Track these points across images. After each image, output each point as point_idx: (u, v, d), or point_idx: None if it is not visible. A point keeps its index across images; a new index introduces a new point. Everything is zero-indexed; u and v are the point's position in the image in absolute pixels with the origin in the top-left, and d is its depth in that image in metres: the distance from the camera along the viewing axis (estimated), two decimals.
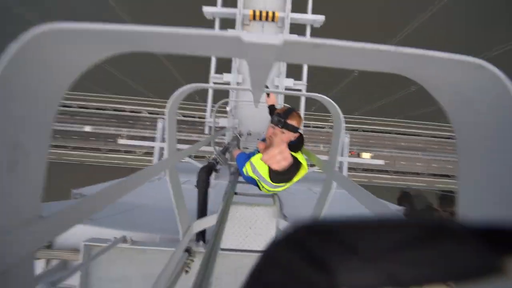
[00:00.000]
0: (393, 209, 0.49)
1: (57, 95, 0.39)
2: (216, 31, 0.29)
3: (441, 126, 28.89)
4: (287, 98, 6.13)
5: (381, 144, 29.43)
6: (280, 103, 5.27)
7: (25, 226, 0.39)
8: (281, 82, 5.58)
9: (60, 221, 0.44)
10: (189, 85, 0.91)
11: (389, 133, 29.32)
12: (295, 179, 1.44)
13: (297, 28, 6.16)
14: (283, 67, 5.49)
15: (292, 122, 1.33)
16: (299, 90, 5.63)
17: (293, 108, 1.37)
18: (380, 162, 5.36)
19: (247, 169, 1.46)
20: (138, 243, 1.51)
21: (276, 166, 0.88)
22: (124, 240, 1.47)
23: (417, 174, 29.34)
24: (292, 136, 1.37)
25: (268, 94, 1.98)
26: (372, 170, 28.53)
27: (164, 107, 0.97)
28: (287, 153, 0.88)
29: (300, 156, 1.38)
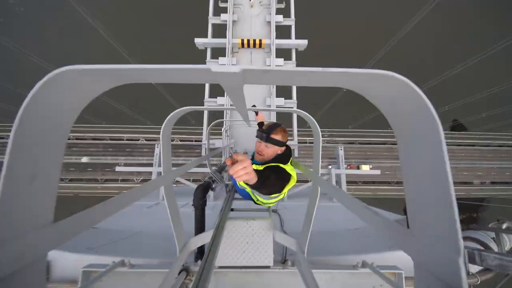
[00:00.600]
0: (384, 215, 0.56)
1: (70, 120, 0.49)
2: (192, 65, 0.40)
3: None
4: (281, 117, 6.36)
5: (379, 156, 29.57)
6: (272, 121, 5.45)
7: (40, 229, 0.46)
8: (272, 102, 5.84)
9: (70, 226, 0.52)
10: (183, 108, 1.03)
11: (385, 143, 29.66)
12: (285, 189, 1.51)
13: (284, 52, 6.63)
14: (273, 88, 5.79)
15: (275, 136, 1.43)
16: (290, 107, 5.88)
17: (277, 123, 1.48)
18: (376, 172, 5.42)
19: (242, 183, 1.52)
20: (137, 267, 1.51)
21: (240, 180, 0.87)
22: (122, 264, 1.47)
23: None
24: (278, 149, 1.48)
25: (256, 113, 2.13)
26: (373, 182, 28.27)
27: (160, 133, 1.07)
28: (250, 168, 0.87)
29: (289, 168, 1.47)
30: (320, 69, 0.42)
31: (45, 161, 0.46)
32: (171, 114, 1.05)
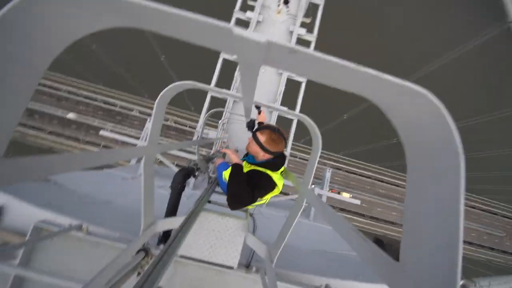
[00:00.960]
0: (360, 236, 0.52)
1: (50, 54, 0.42)
2: (211, 19, 0.35)
3: None
4: (280, 125, 6.36)
5: (361, 187, 30.20)
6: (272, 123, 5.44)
7: None
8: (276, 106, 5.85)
9: (22, 168, 0.44)
10: (185, 82, 0.97)
11: (370, 177, 30.34)
12: (267, 196, 1.46)
13: None
14: (279, 95, 5.78)
15: (260, 136, 1.36)
16: (291, 119, 5.88)
17: (273, 127, 1.39)
18: (357, 201, 5.48)
19: (226, 176, 1.47)
20: (94, 235, 1.41)
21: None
22: (79, 228, 1.37)
23: (392, 223, 29.91)
24: (257, 150, 1.38)
25: (259, 112, 2.08)
26: (349, 211, 28.77)
27: None
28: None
29: (277, 177, 1.41)
30: (352, 64, 0.37)
31: (6, 86, 0.38)
32: (173, 84, 0.98)
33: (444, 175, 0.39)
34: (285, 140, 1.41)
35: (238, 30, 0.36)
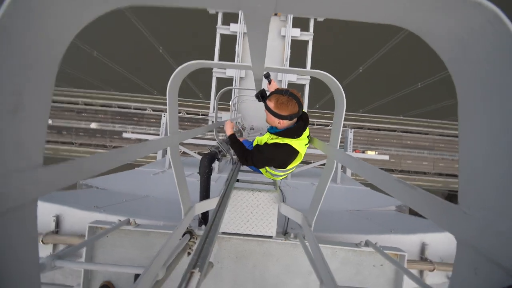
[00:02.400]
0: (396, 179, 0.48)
1: (62, 44, 0.40)
2: None
3: (448, 124, 28.34)
4: (291, 87, 6.11)
5: (386, 143, 29.08)
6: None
7: (28, 171, 0.40)
8: (284, 77, 5.57)
9: (61, 173, 0.46)
10: (192, 62, 0.92)
11: (395, 131, 28.94)
12: (291, 165, 1.45)
13: (301, 22, 6.13)
14: (286, 61, 5.48)
15: (269, 103, 1.32)
16: (303, 85, 5.62)
17: (281, 90, 1.33)
18: (385, 157, 5.31)
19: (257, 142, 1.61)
20: (142, 226, 1.54)
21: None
22: (128, 222, 1.50)
23: (424, 173, 28.95)
24: (273, 119, 1.35)
25: (269, 82, 1.97)
26: None
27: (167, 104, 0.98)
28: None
29: (297, 143, 1.37)
30: None
31: (29, 90, 0.38)
32: (179, 68, 0.94)
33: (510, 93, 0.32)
34: (298, 99, 1.30)
35: None
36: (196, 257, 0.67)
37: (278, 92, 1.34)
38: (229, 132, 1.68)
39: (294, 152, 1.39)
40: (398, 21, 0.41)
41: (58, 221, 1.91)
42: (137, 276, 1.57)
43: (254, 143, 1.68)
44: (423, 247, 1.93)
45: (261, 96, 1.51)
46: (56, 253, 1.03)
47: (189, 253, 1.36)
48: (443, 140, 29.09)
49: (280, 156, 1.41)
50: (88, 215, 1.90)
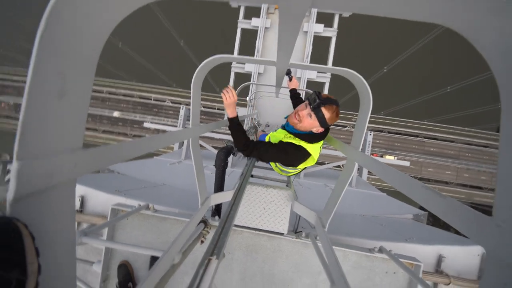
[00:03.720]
0: (406, 208, 0.46)
1: (104, 33, 0.43)
2: None
3: (477, 132, 26.37)
4: (312, 85, 5.95)
5: (407, 148, 27.73)
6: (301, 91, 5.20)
7: (68, 153, 0.43)
8: (303, 74, 5.46)
9: (98, 156, 0.49)
10: (215, 56, 0.94)
11: (417, 136, 27.47)
12: (301, 166, 1.44)
13: (326, 18, 5.95)
14: (307, 58, 5.36)
15: (326, 112, 1.22)
16: (323, 83, 5.48)
17: (336, 101, 1.25)
18: (405, 163, 5.08)
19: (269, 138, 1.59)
20: (160, 212, 1.61)
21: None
22: (147, 207, 1.58)
23: (446, 183, 27.32)
24: (316, 126, 1.28)
25: (290, 79, 1.95)
26: None
27: (185, 97, 1.01)
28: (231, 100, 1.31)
29: (311, 148, 1.34)
30: None
31: (74, 77, 0.41)
32: (203, 63, 0.96)
33: None
34: None
35: None
36: (213, 246, 0.69)
37: (335, 103, 1.25)
38: (231, 113, 1.41)
39: (307, 155, 1.36)
40: (446, 21, 0.38)
41: (83, 201, 2.05)
42: (152, 258, 1.66)
43: (267, 138, 1.67)
44: (439, 259, 1.85)
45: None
46: (82, 230, 1.11)
47: (202, 242, 1.40)
48: (469, 149, 27.17)
49: (292, 157, 1.37)
50: (110, 198, 2.02)
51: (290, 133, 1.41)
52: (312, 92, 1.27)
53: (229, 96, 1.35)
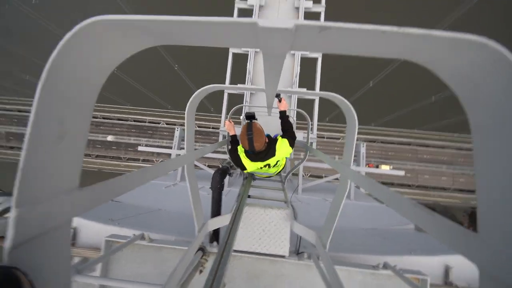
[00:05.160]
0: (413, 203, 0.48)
1: (99, 79, 0.46)
2: (236, 18, 0.34)
3: (466, 138, 27.09)
4: (302, 104, 6.11)
5: (401, 157, 28.06)
6: (291, 113, 5.30)
7: (67, 194, 0.44)
8: (293, 95, 5.64)
9: (95, 194, 0.50)
10: (208, 86, 0.98)
11: (409, 144, 27.98)
12: (267, 162, 1.96)
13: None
14: (295, 77, 5.58)
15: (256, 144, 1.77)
16: (313, 100, 5.66)
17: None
18: (400, 173, 5.11)
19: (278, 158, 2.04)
20: (155, 241, 1.56)
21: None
22: (142, 237, 1.53)
23: (443, 189, 27.37)
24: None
25: (280, 100, 2.03)
26: (393, 184, 27.07)
27: (180, 118, 1.05)
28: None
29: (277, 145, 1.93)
30: (394, 28, 0.33)
31: (72, 121, 0.43)
32: (197, 92, 1.01)
33: None
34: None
35: (263, 22, 0.34)
36: (212, 278, 0.67)
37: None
38: (232, 133, 2.26)
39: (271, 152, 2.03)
40: (410, 56, 0.43)
41: (75, 232, 1.97)
42: None
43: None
44: (447, 270, 1.81)
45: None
46: (74, 266, 1.06)
47: (201, 271, 1.35)
48: (461, 154, 27.70)
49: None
50: (103, 228, 1.95)
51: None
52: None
53: (227, 126, 2.28)
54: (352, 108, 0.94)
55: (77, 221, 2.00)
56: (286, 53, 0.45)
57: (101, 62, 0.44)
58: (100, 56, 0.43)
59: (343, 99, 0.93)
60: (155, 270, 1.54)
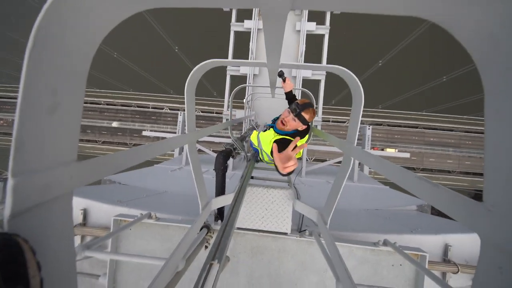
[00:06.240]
0: (409, 199, 0.47)
1: (91, 46, 0.44)
2: None
3: (475, 120, 26.38)
4: (308, 83, 5.96)
5: (407, 140, 27.70)
6: (296, 94, 5.19)
7: (63, 166, 0.44)
8: (298, 73, 5.48)
9: (93, 168, 0.50)
10: (207, 61, 0.94)
11: (416, 127, 27.47)
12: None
13: (317, 16, 5.96)
14: (301, 56, 5.39)
15: (305, 115, 1.54)
16: (319, 80, 5.50)
17: (311, 104, 1.58)
18: (405, 155, 5.07)
19: (253, 140, 1.84)
20: (162, 220, 1.61)
21: (283, 171, 1.02)
22: (149, 216, 1.58)
23: (448, 172, 27.26)
24: (300, 125, 1.58)
25: (284, 80, 1.96)
26: None
27: (183, 103, 1.02)
28: (294, 162, 1.02)
29: (302, 142, 1.62)
30: None
31: (65, 91, 0.41)
32: (196, 68, 0.97)
33: None
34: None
35: None
36: (215, 250, 0.69)
37: (309, 105, 1.57)
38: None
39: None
40: (423, 13, 0.39)
41: (85, 214, 2.05)
42: None
43: (254, 136, 1.93)
44: (446, 249, 1.84)
45: (279, 75, 1.75)
46: (85, 244, 1.11)
47: (206, 247, 1.40)
48: (469, 137, 27.15)
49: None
50: (112, 209, 2.02)
51: (280, 134, 1.62)
52: (293, 103, 1.58)
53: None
54: (359, 83, 0.89)
55: (86, 203, 2.07)
56: (288, 10, 0.41)
57: (90, 29, 0.41)
58: (88, 21, 0.40)
59: (350, 72, 0.89)
60: (162, 246, 1.61)
